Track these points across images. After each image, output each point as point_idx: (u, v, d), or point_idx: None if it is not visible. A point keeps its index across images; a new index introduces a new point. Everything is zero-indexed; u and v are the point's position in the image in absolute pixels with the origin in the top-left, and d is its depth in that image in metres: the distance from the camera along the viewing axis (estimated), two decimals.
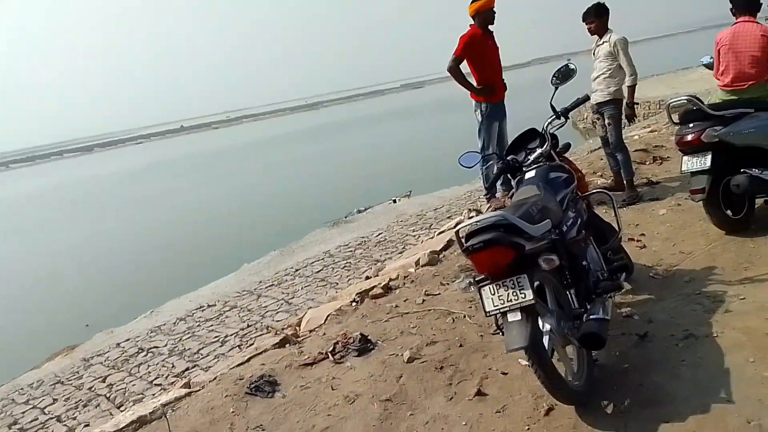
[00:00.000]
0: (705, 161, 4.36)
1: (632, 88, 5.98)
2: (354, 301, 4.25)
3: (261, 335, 7.55)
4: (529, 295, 2.56)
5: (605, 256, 3.49)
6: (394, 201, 16.68)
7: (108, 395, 7.01)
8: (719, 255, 4.04)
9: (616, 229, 3.63)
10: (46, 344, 10.39)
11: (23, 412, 7.06)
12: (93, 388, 7.30)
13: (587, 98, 4.30)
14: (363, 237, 12.36)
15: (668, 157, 6.75)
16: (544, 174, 3.43)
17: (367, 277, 5.89)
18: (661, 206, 5.17)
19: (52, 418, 6.72)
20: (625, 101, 6.00)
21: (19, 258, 21.61)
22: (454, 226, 5.96)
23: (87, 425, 6.08)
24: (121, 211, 28.79)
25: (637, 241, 4.43)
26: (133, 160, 70.60)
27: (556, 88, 3.95)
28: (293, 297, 9.20)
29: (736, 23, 4.96)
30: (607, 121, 6.13)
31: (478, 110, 6.32)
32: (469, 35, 6.27)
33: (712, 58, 5.34)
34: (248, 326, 8.21)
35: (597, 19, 6.17)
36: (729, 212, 4.54)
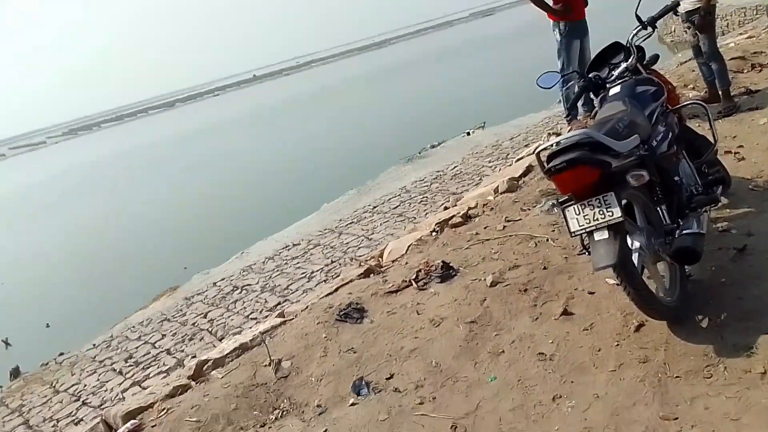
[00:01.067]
0: None
1: None
2: (434, 230, 4.25)
3: (345, 267, 7.83)
4: (617, 212, 2.45)
5: (700, 169, 3.27)
6: (468, 134, 16.38)
7: (210, 329, 7.53)
8: None
9: (712, 141, 3.38)
10: (150, 286, 11.29)
11: (137, 347, 7.73)
12: (196, 324, 7.85)
13: (677, 4, 3.92)
14: (438, 171, 12.28)
15: None
16: (630, 88, 3.21)
17: (445, 208, 5.86)
18: (761, 115, 4.74)
19: (162, 351, 7.32)
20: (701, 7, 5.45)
21: (121, 209, 23.26)
22: (533, 150, 5.78)
23: (194, 356, 6.57)
24: (208, 162, 30.07)
25: (735, 153, 4.10)
26: (213, 113, 72.92)
27: None
28: (373, 233, 9.38)
29: None
30: (698, 28, 5.62)
31: (557, 29, 5.99)
32: None
33: None
34: (332, 262, 8.48)
35: None
36: None
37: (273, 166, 23.75)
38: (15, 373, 8.70)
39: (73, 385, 7.08)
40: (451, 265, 3.55)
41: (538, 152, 2.79)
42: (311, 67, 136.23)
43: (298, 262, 9.04)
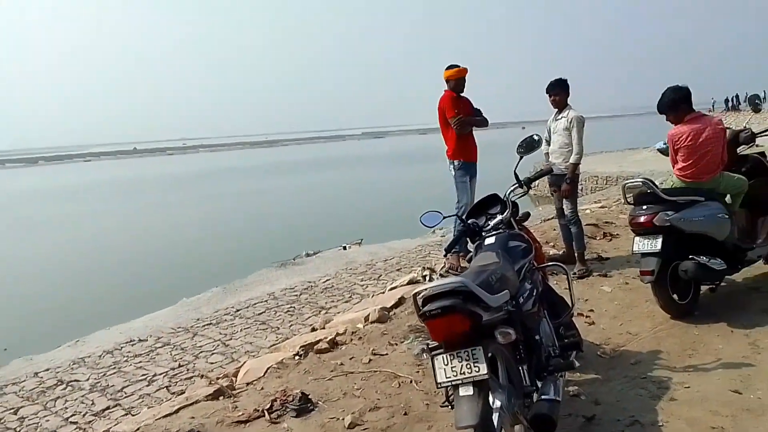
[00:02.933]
0: (656, 244, 4.46)
1: (575, 166, 6.19)
2: (297, 354, 4.04)
3: (191, 378, 7.16)
4: (483, 369, 2.47)
5: (557, 330, 3.46)
6: (345, 248, 16.50)
7: (18, 429, 6.44)
8: (664, 339, 4.08)
9: (569, 304, 3.61)
10: None
11: None
12: (2, 420, 6.71)
13: (551, 170, 4.37)
14: (310, 282, 12.09)
15: (617, 234, 6.92)
16: (504, 241, 3.40)
17: (313, 329, 5.68)
18: (609, 283, 5.24)
19: None
20: (567, 175, 6.17)
21: None
22: (407, 283, 5.88)
23: None
24: (54, 231, 27.45)
25: (586, 317, 4.43)
26: (79, 177, 68.07)
27: (521, 157, 4.00)
28: (231, 338, 8.83)
29: (688, 120, 5.04)
30: (563, 193, 6.27)
31: (452, 166, 6.50)
32: (451, 97, 6.58)
33: (665, 143, 5.52)
34: (180, 366, 7.77)
35: (563, 93, 6.41)
36: (675, 296, 4.63)
37: (131, 246, 22.17)
38: None
39: None
40: (310, 397, 3.35)
41: (415, 293, 2.79)
42: (198, 152, 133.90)
43: (140, 361, 8.17)
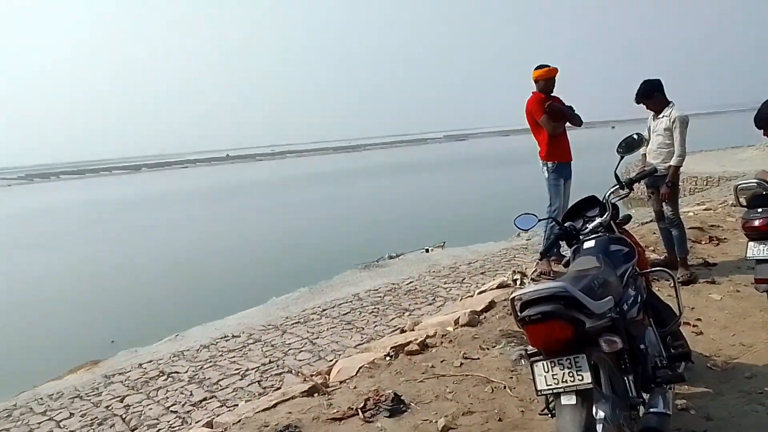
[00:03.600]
0: None
1: (676, 169, 5.80)
2: (388, 355, 4.03)
3: (281, 374, 7.36)
4: (587, 377, 2.35)
5: (664, 340, 3.24)
6: (427, 250, 16.44)
7: (124, 416, 6.86)
8: None
9: (677, 312, 3.38)
10: (71, 355, 10.38)
11: (39, 423, 6.95)
12: (110, 407, 7.16)
13: (654, 171, 4.12)
14: (393, 284, 12.13)
15: (725, 238, 6.42)
16: (604, 245, 3.22)
17: (402, 330, 5.67)
18: (717, 291, 4.86)
19: None
20: (668, 177, 5.79)
21: (56, 265, 22.04)
22: (497, 287, 5.75)
23: None
24: (160, 232, 29.29)
25: (693, 326, 4.13)
26: (177, 183, 72.39)
27: (622, 158, 3.80)
28: (318, 337, 9.00)
29: None
30: (662, 196, 5.91)
31: (545, 168, 6.33)
32: (539, 99, 6.42)
33: None
34: (270, 362, 8.00)
35: (646, 100, 6.07)
36: None
37: (227, 248, 23.23)
38: None
39: None
40: (402, 398, 3.32)
41: (513, 297, 2.71)
42: (285, 157, 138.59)
43: (234, 356, 8.50)
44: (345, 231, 25.06)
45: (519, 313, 2.50)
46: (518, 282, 6.04)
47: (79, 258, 23.83)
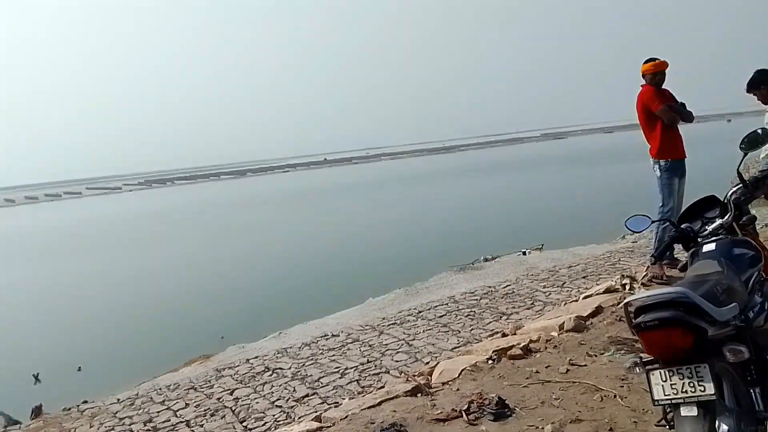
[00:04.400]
0: None
1: None
2: (491, 358, 3.97)
3: (379, 374, 7.46)
4: (710, 388, 2.20)
5: None
6: (524, 253, 16.03)
7: (233, 408, 7.23)
8: None
9: None
10: (185, 349, 11.17)
11: (158, 412, 7.49)
12: (221, 399, 7.57)
13: None
14: (490, 287, 11.93)
15: None
16: (726, 248, 2.98)
17: (504, 334, 5.56)
18: None
19: (182, 422, 7.03)
20: None
21: (171, 263, 23.73)
22: (604, 291, 5.49)
23: None
24: (262, 233, 30.72)
25: None
26: (278, 186, 75.63)
27: (745, 155, 3.49)
28: (414, 339, 9.04)
29: None
30: None
31: (657, 166, 6.00)
32: (652, 90, 6.13)
33: None
34: (368, 362, 8.14)
35: (755, 90, 5.56)
36: None
37: (325, 249, 23.93)
38: (36, 412, 8.55)
39: None
40: (506, 402, 3.26)
41: (627, 302, 2.57)
42: (380, 160, 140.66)
43: (333, 355, 8.73)
44: (440, 232, 25.01)
45: (633, 319, 2.38)
46: (627, 287, 5.72)
47: (191, 258, 25.53)
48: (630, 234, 15.18)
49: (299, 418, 6.05)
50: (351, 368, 7.93)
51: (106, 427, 7.22)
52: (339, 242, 25.56)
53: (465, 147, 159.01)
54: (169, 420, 7.14)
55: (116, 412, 7.69)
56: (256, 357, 9.19)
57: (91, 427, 7.31)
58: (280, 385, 7.75)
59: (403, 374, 5.48)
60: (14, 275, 25.78)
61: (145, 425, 7.07)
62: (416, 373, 4.30)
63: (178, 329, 14.01)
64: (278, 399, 7.32)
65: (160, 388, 8.42)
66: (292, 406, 6.86)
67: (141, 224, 43.09)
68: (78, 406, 8.35)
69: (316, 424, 3.23)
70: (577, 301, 5.84)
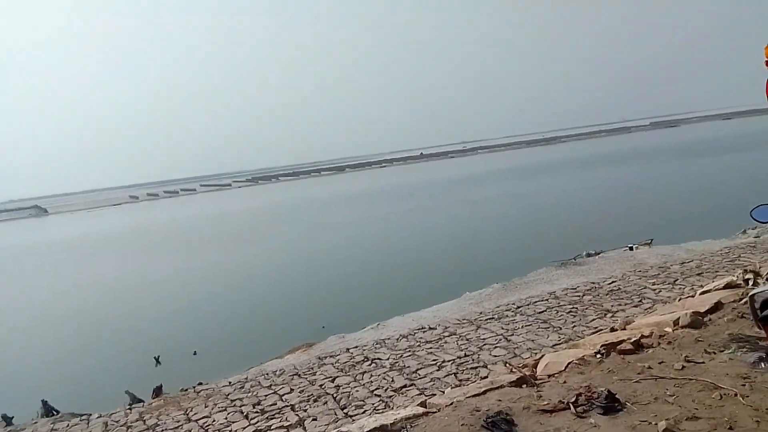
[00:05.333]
0: None
1: None
2: (599, 352, 3.80)
3: (476, 368, 7.39)
4: None
5: None
6: (631, 248, 15.23)
7: (335, 395, 7.45)
8: None
9: None
10: (290, 337, 11.75)
11: (266, 395, 7.88)
12: (324, 386, 7.82)
13: None
14: (593, 283, 11.45)
15: None
16: None
17: (613, 329, 5.31)
18: None
19: (287, 406, 7.36)
20: None
21: (280, 254, 24.90)
22: (724, 287, 5.09)
23: (314, 419, 6.53)
24: (362, 227, 31.41)
25: None
26: (375, 182, 76.89)
27: None
28: (512, 334, 8.89)
29: None
30: None
31: None
32: None
33: None
34: (465, 356, 8.10)
35: None
36: None
37: (422, 242, 24.05)
38: (157, 392, 9.31)
39: (203, 417, 7.36)
40: (616, 396, 3.12)
41: (753, 294, 2.38)
42: (477, 153, 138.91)
43: (431, 347, 8.77)
44: (540, 227, 24.35)
45: (760, 312, 2.21)
46: (750, 282, 5.25)
47: (294, 250, 26.65)
48: (753, 228, 13.97)
49: (398, 407, 6.13)
50: (448, 361, 7.93)
51: (219, 407, 7.70)
52: (435, 236, 25.59)
53: (567, 138, 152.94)
54: (276, 404, 7.49)
55: (228, 394, 8.17)
56: (356, 347, 9.44)
57: (206, 407, 7.82)
58: (379, 375, 7.89)
59: (507, 364, 5.38)
60: (138, 268, 28.22)
61: (254, 407, 7.46)
62: (520, 365, 4.20)
63: (282, 318, 14.72)
64: (377, 388, 7.46)
65: (267, 373, 8.85)
66: (390, 396, 6.98)
67: (249, 218, 45.52)
68: (194, 387, 8.97)
69: (421, 410, 3.26)
70: (693, 296, 5.42)
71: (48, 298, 23.42)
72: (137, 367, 12.70)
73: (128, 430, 7.37)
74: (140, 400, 9.14)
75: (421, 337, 9.29)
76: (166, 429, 7.23)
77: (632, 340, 3.83)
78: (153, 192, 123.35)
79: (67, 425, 7.96)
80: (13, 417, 9.40)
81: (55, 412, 9.39)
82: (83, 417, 8.21)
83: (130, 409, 8.28)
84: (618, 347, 3.81)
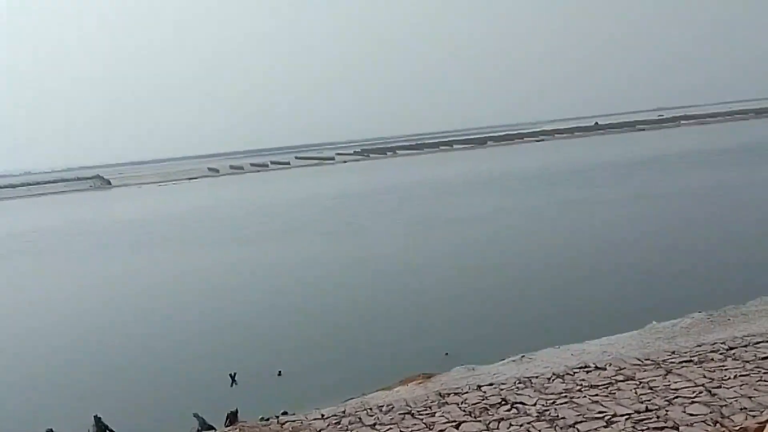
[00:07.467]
0: None
1: None
2: None
3: (663, 428, 7.15)
4: None
5: None
6: None
7: None
8: None
9: None
10: (401, 363, 12.00)
11: None
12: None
13: None
14: None
15: None
16: None
17: None
18: None
19: None
20: None
21: (393, 262, 25.47)
22: None
23: None
24: (495, 223, 31.27)
25: None
26: (526, 160, 75.79)
27: None
28: (719, 386, 8.50)
29: None
30: None
31: None
32: None
33: None
34: (647, 410, 7.88)
35: None
36: None
37: (592, 248, 23.51)
38: (232, 419, 9.94)
39: None
40: None
41: None
42: (678, 125, 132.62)
43: (596, 394, 8.61)
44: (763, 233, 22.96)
45: None
46: None
47: (412, 250, 27.07)
48: None
49: None
50: (621, 415, 7.74)
51: None
52: (609, 240, 24.86)
53: None
54: None
55: (320, 430, 8.52)
56: (491, 384, 9.46)
57: None
58: (521, 426, 7.86)
59: (717, 424, 5.21)
60: (214, 260, 30.13)
61: None
62: (737, 427, 3.98)
63: (395, 338, 14.99)
64: None
65: (370, 408, 9.11)
66: None
67: (355, 205, 46.68)
68: (277, 416, 9.47)
69: None
70: None
71: (109, 293, 25.67)
72: (209, 385, 13.55)
73: None
74: (211, 427, 9.80)
75: (583, 379, 9.15)
76: None
77: None
78: (237, 165, 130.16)
79: None
80: None
81: None
82: None
83: None
84: None
